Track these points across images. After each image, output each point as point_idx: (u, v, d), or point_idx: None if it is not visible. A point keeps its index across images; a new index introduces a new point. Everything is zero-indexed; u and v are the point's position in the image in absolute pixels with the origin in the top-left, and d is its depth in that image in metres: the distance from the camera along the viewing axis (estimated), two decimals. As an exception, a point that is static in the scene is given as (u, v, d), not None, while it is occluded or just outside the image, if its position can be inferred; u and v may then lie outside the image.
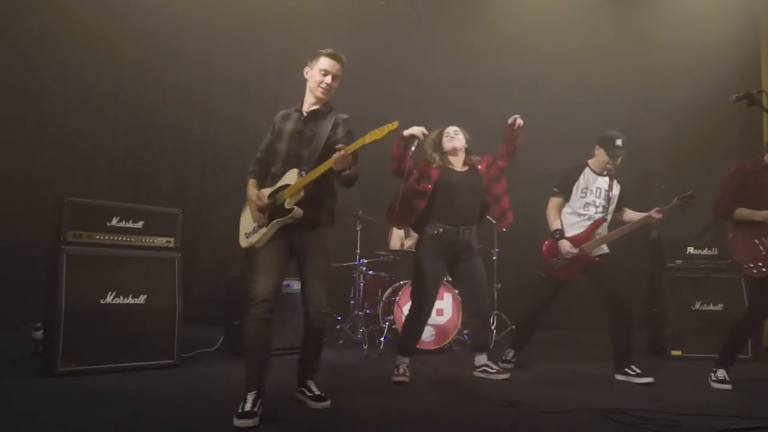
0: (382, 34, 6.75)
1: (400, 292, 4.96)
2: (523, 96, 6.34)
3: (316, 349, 3.16)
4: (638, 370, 3.89)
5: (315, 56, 3.09)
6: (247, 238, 3.11)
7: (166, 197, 5.63)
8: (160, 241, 3.96)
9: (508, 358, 4.30)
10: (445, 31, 6.95)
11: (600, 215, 4.11)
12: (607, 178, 4.16)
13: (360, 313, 5.01)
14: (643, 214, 4.09)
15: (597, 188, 4.14)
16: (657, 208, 4.06)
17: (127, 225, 3.85)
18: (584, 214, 4.12)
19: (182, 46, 5.95)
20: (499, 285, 5.51)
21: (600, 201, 4.12)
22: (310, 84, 3.11)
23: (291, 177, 3.01)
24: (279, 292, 2.97)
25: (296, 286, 4.61)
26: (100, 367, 3.57)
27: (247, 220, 3.16)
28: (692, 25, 6.61)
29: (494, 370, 3.88)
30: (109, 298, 3.68)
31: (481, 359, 3.95)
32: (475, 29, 7.00)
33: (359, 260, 5.13)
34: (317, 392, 3.04)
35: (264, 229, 3.00)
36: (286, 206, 2.94)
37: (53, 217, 3.74)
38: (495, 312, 5.42)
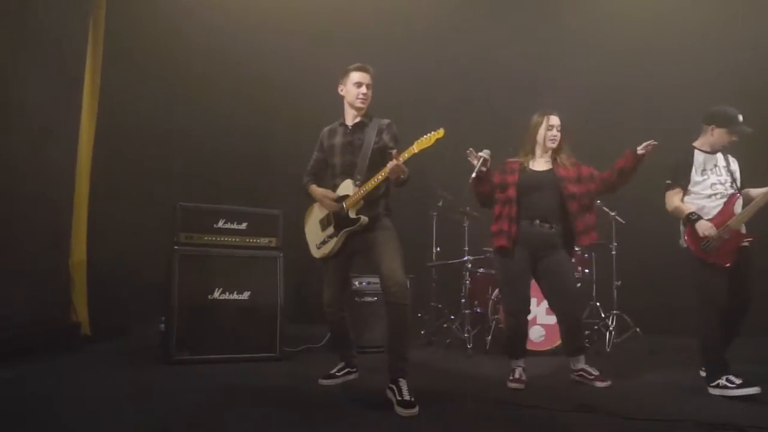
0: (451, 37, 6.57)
1: (505, 291, 4.74)
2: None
3: (399, 338, 3.02)
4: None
5: (345, 73, 3.31)
6: (319, 248, 3.36)
7: (268, 200, 5.84)
8: (263, 241, 4.21)
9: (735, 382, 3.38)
10: (514, 29, 6.55)
11: (732, 190, 3.65)
12: (720, 155, 3.71)
13: (467, 311, 4.88)
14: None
15: (715, 166, 3.70)
16: None
17: (233, 226, 4.15)
18: (714, 194, 3.67)
19: (266, 68, 6.20)
20: (619, 282, 5.04)
21: (725, 177, 3.68)
22: (349, 98, 3.32)
23: (347, 187, 3.23)
24: (342, 296, 3.42)
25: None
26: (209, 357, 3.88)
27: (314, 231, 3.41)
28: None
29: (592, 377, 3.53)
30: (216, 294, 3.99)
31: (578, 363, 3.62)
32: (545, 28, 6.51)
33: (465, 257, 5.01)
34: (406, 396, 2.82)
35: (335, 239, 3.24)
36: (351, 216, 3.16)
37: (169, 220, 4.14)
38: (615, 312, 4.96)
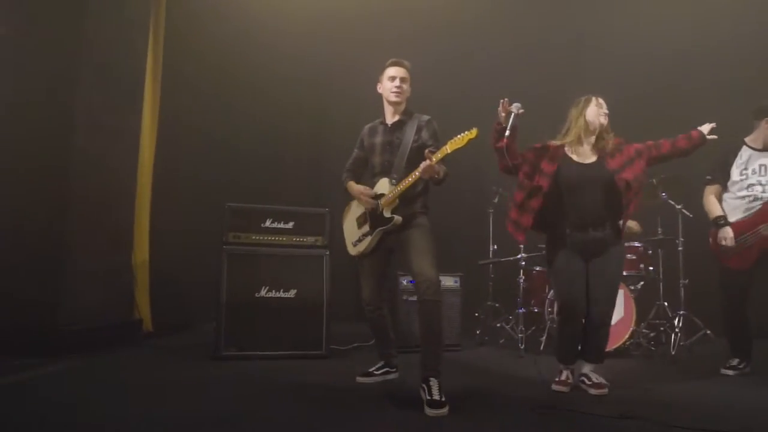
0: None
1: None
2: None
3: (430, 336, 2.96)
4: None
5: (382, 71, 3.33)
6: (354, 246, 3.37)
7: (318, 201, 5.86)
8: (309, 239, 4.26)
9: (733, 364, 3.80)
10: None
11: None
12: None
13: (520, 311, 4.72)
14: None
15: (761, 166, 3.62)
16: None
17: (279, 226, 4.23)
18: (749, 196, 3.66)
19: (312, 72, 6.29)
20: (686, 281, 4.69)
21: (766, 179, 3.62)
22: (385, 94, 3.32)
23: (383, 186, 3.23)
24: (380, 293, 3.39)
25: (446, 282, 4.61)
26: (256, 353, 3.97)
27: (351, 228, 3.42)
28: None
29: (590, 383, 3.27)
30: (263, 292, 4.08)
31: (584, 367, 3.36)
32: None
33: (519, 255, 4.84)
34: (436, 396, 2.75)
35: (369, 238, 3.25)
36: (386, 215, 3.16)
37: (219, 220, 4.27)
38: (682, 313, 4.62)
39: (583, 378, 3.33)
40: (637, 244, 4.71)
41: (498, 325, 4.98)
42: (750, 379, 3.71)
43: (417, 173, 2.97)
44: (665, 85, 6.12)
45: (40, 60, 4.02)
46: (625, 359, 4.36)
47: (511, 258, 4.87)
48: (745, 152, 3.73)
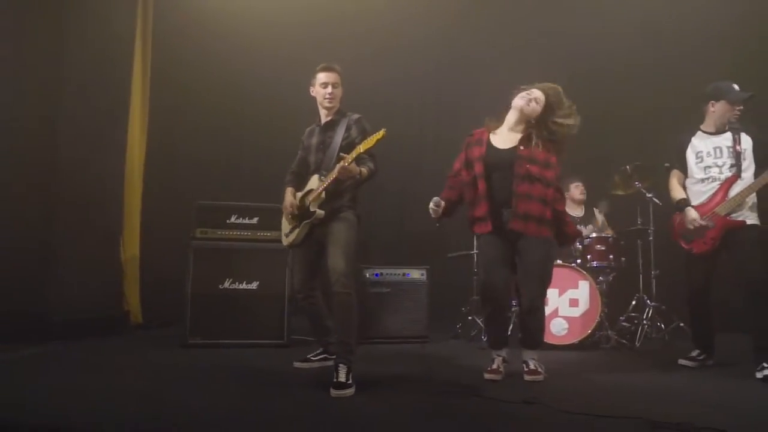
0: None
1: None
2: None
3: (341, 326, 3.11)
4: None
5: (314, 75, 3.45)
6: (286, 237, 3.55)
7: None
8: (274, 234, 4.41)
9: (692, 355, 3.76)
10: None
11: (729, 173, 3.54)
12: (729, 134, 3.59)
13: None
14: None
15: (715, 148, 3.61)
16: None
17: (245, 221, 4.45)
18: (707, 179, 3.63)
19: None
20: (657, 271, 4.54)
21: (724, 160, 3.58)
22: (318, 99, 3.47)
23: (314, 182, 3.37)
24: (310, 283, 3.47)
25: (413, 275, 4.69)
26: (220, 342, 4.19)
27: (285, 221, 3.58)
28: None
29: (527, 369, 3.28)
30: (226, 284, 4.31)
31: (523, 353, 3.36)
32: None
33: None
34: (342, 379, 2.89)
35: (297, 230, 3.41)
36: (311, 209, 3.30)
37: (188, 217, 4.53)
38: (654, 304, 4.48)
39: (523, 365, 3.35)
40: (606, 235, 4.62)
41: (470, 318, 4.99)
42: (708, 371, 3.60)
43: (334, 174, 3.10)
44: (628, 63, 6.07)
45: (25, 74, 4.37)
46: (590, 351, 4.30)
47: (473, 252, 4.86)
48: (698, 137, 3.73)
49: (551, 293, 4.40)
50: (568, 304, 4.37)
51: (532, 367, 3.30)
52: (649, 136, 5.49)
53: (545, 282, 3.31)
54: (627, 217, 5.03)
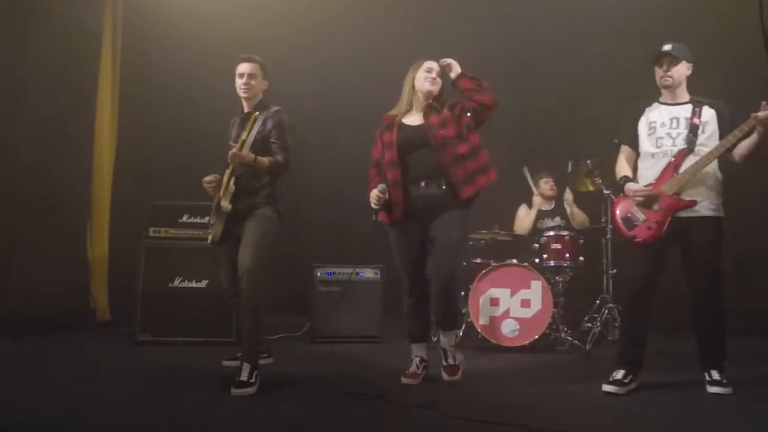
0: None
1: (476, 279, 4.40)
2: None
3: (245, 322, 3.11)
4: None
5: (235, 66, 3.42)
6: (209, 234, 3.49)
7: None
8: (225, 233, 4.49)
9: (617, 378, 3.05)
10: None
11: (681, 147, 3.09)
12: (689, 106, 3.15)
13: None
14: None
15: (672, 119, 3.16)
16: (764, 103, 2.77)
17: (196, 220, 4.50)
18: (657, 152, 3.16)
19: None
20: (615, 271, 4.36)
21: (679, 131, 3.12)
22: (237, 90, 3.43)
23: (226, 175, 3.31)
24: (236, 281, 3.18)
25: (367, 274, 4.65)
26: (169, 339, 4.25)
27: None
28: None
29: (445, 364, 3.23)
30: (176, 283, 4.36)
31: (441, 340, 3.30)
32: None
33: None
34: (244, 377, 2.91)
35: (213, 226, 3.35)
36: (221, 203, 3.25)
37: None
38: (612, 305, 4.31)
39: (441, 353, 3.29)
40: (563, 233, 4.47)
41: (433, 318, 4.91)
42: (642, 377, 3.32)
43: (229, 162, 3.14)
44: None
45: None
46: (540, 354, 4.16)
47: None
48: (654, 107, 3.28)
49: (502, 293, 4.32)
50: (520, 304, 4.26)
51: (450, 361, 3.24)
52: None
53: (460, 253, 3.23)
54: (593, 214, 4.87)
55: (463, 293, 4.41)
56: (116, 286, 5.28)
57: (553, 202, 5.09)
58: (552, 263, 4.43)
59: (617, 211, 3.25)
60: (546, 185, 5.08)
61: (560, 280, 4.44)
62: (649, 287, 3.14)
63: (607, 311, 4.32)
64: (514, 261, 4.38)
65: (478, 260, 4.64)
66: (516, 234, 4.96)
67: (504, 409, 2.69)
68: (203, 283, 4.39)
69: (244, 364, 2.97)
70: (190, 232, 4.48)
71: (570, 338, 4.24)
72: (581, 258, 4.46)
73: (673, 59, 3.13)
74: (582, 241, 4.50)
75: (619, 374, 3.07)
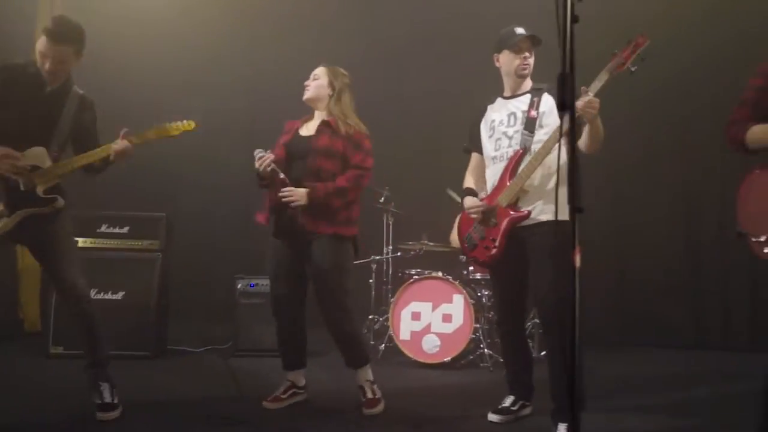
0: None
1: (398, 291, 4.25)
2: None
3: (89, 337, 3.04)
4: None
5: None
6: None
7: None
8: (144, 243, 4.39)
9: (505, 405, 2.88)
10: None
11: (515, 148, 2.73)
12: (527, 96, 2.80)
13: (370, 317, 4.49)
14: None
15: (509, 115, 2.82)
16: (583, 88, 2.42)
17: (114, 230, 4.40)
18: (497, 156, 2.82)
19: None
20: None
21: (514, 129, 2.77)
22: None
23: (37, 157, 2.73)
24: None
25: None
26: (81, 352, 4.15)
27: None
28: None
29: (364, 399, 3.02)
30: (92, 294, 4.25)
31: (357, 378, 3.09)
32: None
33: (372, 257, 4.61)
34: (107, 399, 2.86)
35: (5, 219, 2.71)
36: (39, 194, 2.72)
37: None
38: (535, 321, 4.14)
39: (359, 390, 3.07)
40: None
41: (365, 331, 4.77)
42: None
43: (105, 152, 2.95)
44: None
45: None
46: (460, 371, 4.01)
47: (364, 261, 4.64)
48: (495, 104, 2.92)
49: (424, 308, 4.17)
50: (441, 319, 4.11)
51: (369, 396, 3.04)
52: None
53: (340, 295, 2.97)
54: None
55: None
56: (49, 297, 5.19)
57: None
58: (478, 276, 4.28)
59: (458, 230, 2.99)
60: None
61: (487, 293, 4.28)
62: (515, 312, 2.92)
63: (531, 325, 4.15)
64: (439, 273, 4.23)
65: (407, 272, 4.50)
66: (451, 246, 4.80)
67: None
68: (119, 295, 4.28)
69: (101, 383, 2.93)
70: (107, 242, 4.38)
71: (494, 354, 4.08)
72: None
73: (536, 42, 2.77)
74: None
75: (508, 401, 2.90)
